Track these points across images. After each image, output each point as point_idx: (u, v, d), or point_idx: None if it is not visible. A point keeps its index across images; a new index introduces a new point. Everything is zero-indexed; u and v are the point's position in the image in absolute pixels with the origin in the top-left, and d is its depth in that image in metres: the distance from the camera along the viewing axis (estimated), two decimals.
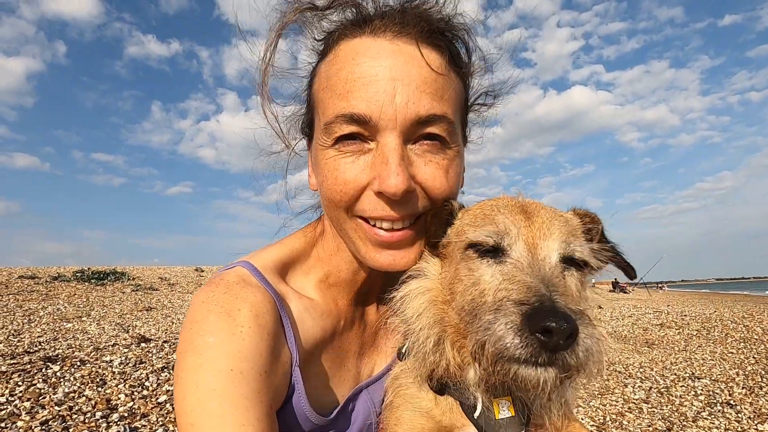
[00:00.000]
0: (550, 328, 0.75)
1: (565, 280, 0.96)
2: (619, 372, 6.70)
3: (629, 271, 1.12)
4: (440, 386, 1.06)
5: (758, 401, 5.13)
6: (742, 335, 10.08)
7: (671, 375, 6.49)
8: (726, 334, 10.34)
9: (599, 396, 5.58)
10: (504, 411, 1.03)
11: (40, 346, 6.07)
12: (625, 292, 40.50)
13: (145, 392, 4.55)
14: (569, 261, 0.99)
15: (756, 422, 4.49)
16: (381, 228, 1.12)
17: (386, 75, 1.07)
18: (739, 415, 4.72)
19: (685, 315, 14.75)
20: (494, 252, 0.99)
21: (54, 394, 4.23)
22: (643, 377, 6.41)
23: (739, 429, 4.33)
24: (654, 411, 4.94)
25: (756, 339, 9.45)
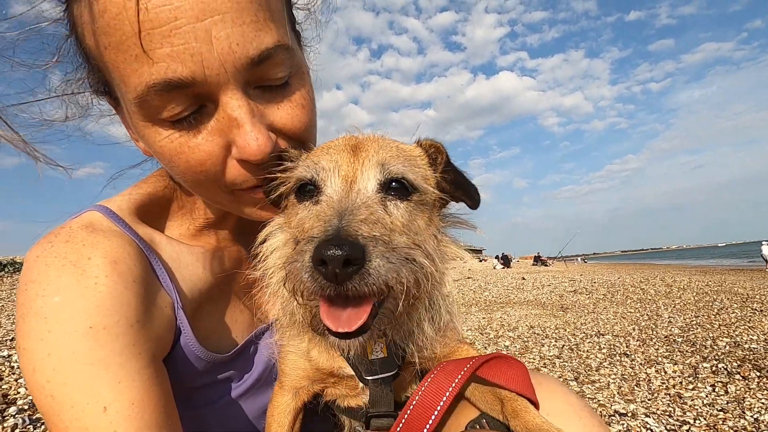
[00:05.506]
0: (324, 256, 0.70)
1: (382, 207, 0.88)
2: (538, 334, 7.33)
3: (473, 194, 1.06)
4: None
5: (648, 350, 5.90)
6: (639, 297, 11.48)
7: (581, 334, 7.23)
8: (626, 296, 11.71)
9: (519, 356, 6.07)
10: (377, 352, 1.05)
11: None
12: (545, 265, 44.18)
13: None
14: (394, 188, 0.93)
15: (646, 367, 5.17)
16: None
17: (189, 15, 0.81)
18: (633, 362, 5.41)
19: (595, 282, 16.45)
20: (314, 192, 0.94)
21: None
22: (557, 337, 7.07)
23: (633, 373, 4.96)
24: (565, 365, 5.49)
25: (649, 299, 10.82)
